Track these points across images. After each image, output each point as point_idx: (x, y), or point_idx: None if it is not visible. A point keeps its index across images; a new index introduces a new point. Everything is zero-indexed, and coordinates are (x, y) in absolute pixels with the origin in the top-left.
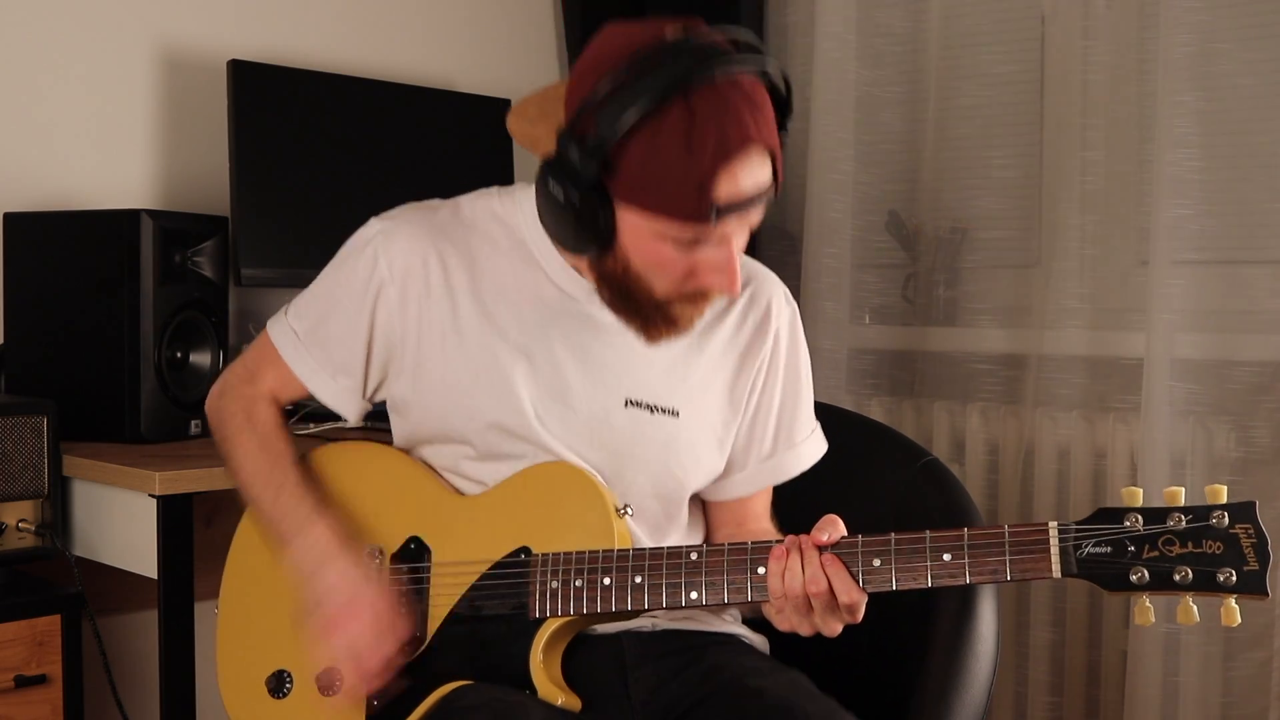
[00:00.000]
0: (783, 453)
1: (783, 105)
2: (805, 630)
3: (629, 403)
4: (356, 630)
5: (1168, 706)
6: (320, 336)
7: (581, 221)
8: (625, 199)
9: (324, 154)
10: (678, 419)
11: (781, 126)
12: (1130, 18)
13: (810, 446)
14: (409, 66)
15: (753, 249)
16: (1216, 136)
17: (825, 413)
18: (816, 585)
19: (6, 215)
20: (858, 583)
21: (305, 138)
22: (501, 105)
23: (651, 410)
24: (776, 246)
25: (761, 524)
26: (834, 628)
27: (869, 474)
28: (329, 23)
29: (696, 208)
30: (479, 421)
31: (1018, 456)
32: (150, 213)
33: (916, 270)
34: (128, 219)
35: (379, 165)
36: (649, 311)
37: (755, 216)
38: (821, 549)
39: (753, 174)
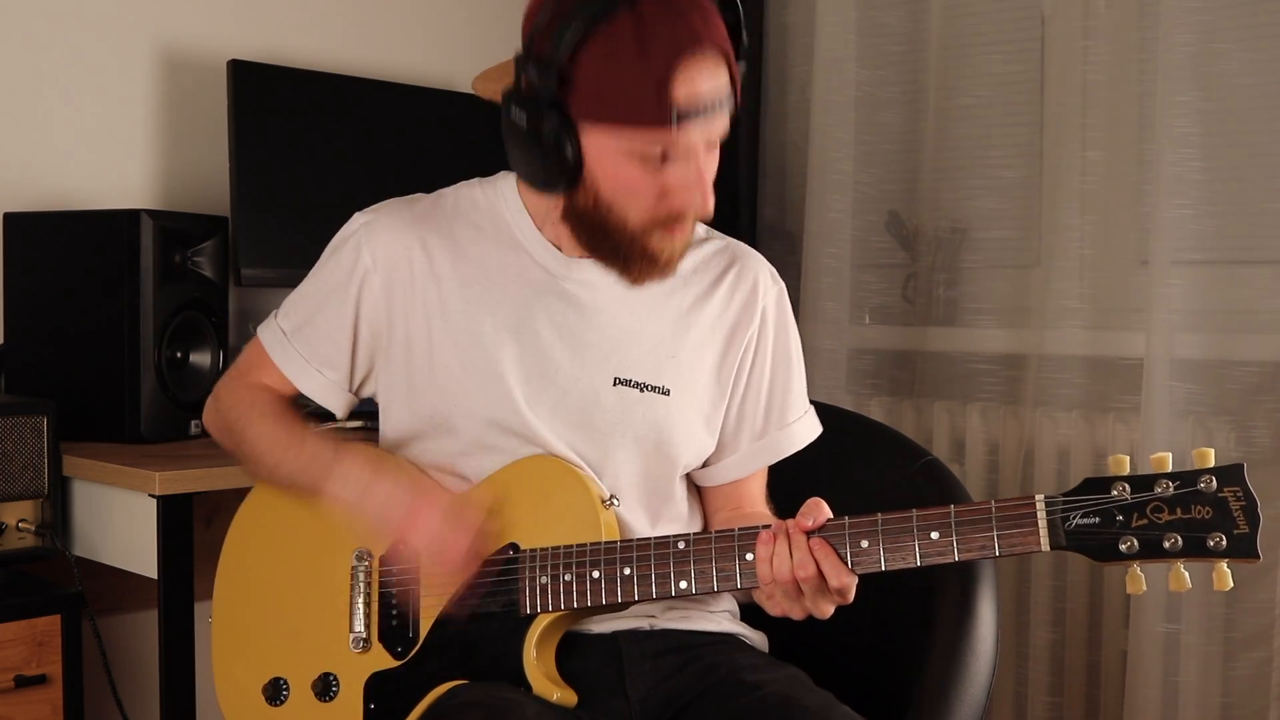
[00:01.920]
0: (775, 432)
1: (735, 29)
2: (797, 614)
3: (618, 381)
4: (431, 525)
5: (1168, 706)
6: (307, 333)
7: (546, 149)
8: (586, 116)
9: (324, 154)
10: (668, 397)
11: (737, 52)
12: (1130, 17)
13: (803, 426)
14: (409, 66)
15: (752, 248)
16: (1216, 136)
17: (825, 413)
18: (805, 569)
19: (6, 215)
20: (847, 565)
21: (305, 138)
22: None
23: (641, 389)
24: (776, 246)
25: (757, 507)
26: (825, 610)
27: (869, 474)
28: (329, 23)
29: (656, 111)
30: (466, 407)
31: (1018, 456)
32: (150, 213)
33: (916, 270)
34: (128, 219)
35: (379, 165)
36: (626, 248)
37: (718, 127)
38: (809, 533)
39: (708, 76)
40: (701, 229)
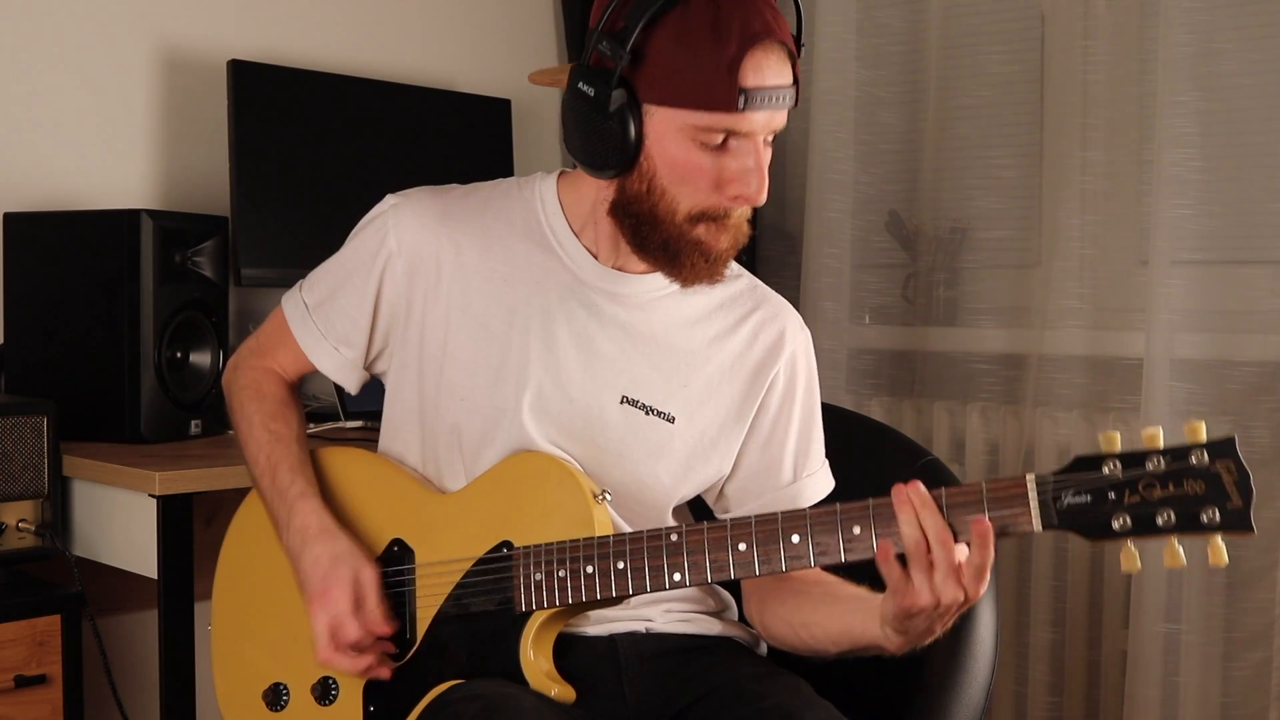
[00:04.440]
0: (801, 480)
1: (796, 36)
2: (925, 597)
3: (625, 400)
4: (331, 609)
5: (1168, 706)
6: (327, 309)
7: (609, 124)
8: (654, 95)
9: (324, 154)
10: (673, 425)
11: (797, 46)
12: (1130, 17)
13: (824, 476)
14: (409, 66)
15: (752, 249)
16: (1216, 136)
17: (825, 412)
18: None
19: (6, 215)
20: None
21: (305, 138)
22: (501, 105)
23: (647, 411)
24: (776, 246)
25: None
26: (953, 594)
27: (869, 474)
28: (329, 23)
29: (726, 93)
30: (472, 401)
31: (1018, 456)
32: (150, 213)
33: (916, 270)
34: (128, 219)
35: (379, 165)
36: (675, 241)
37: (779, 119)
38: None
39: (775, 66)
40: (734, 266)
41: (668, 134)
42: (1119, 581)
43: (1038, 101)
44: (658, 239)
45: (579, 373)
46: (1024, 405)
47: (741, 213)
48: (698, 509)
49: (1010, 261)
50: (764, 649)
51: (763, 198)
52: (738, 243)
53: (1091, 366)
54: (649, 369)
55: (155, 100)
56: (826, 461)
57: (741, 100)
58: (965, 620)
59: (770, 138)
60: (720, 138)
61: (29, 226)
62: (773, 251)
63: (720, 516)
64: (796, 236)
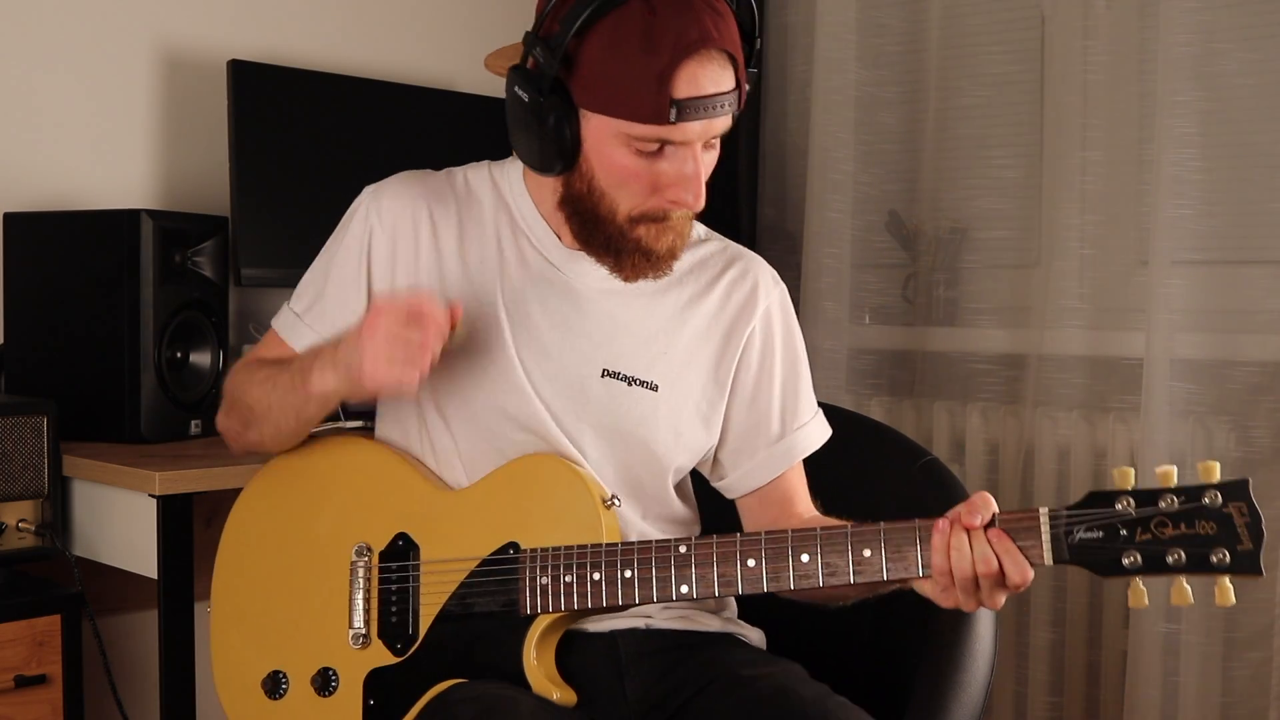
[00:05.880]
0: (790, 435)
1: (750, 33)
2: (970, 607)
3: (606, 373)
4: (379, 323)
5: (1168, 706)
6: (319, 310)
7: (546, 130)
8: (587, 102)
9: (324, 154)
10: (656, 393)
11: (749, 57)
12: (1130, 17)
13: (816, 427)
14: (409, 66)
15: (752, 249)
16: (1216, 136)
17: (825, 413)
18: (987, 565)
19: (6, 215)
20: (1026, 557)
21: (305, 138)
22: (501, 105)
23: (630, 382)
24: (776, 246)
25: (798, 509)
26: (999, 601)
27: (868, 474)
28: (329, 23)
29: (655, 105)
30: (462, 395)
31: (1018, 456)
32: (150, 213)
33: (916, 270)
34: (128, 219)
35: (379, 165)
36: (617, 240)
37: (718, 125)
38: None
39: (712, 75)
40: (701, 229)
41: (604, 139)
42: (1120, 587)
43: (1038, 101)
44: (601, 237)
45: (558, 352)
46: (1024, 405)
47: (683, 213)
48: (704, 501)
49: (1010, 261)
50: (764, 642)
51: (699, 204)
52: (683, 241)
53: (1091, 366)
54: (627, 340)
55: (155, 100)
56: (820, 411)
57: (673, 112)
58: (964, 620)
59: (715, 141)
60: (655, 145)
61: (29, 226)
62: (773, 251)
63: (716, 484)
64: (796, 236)
